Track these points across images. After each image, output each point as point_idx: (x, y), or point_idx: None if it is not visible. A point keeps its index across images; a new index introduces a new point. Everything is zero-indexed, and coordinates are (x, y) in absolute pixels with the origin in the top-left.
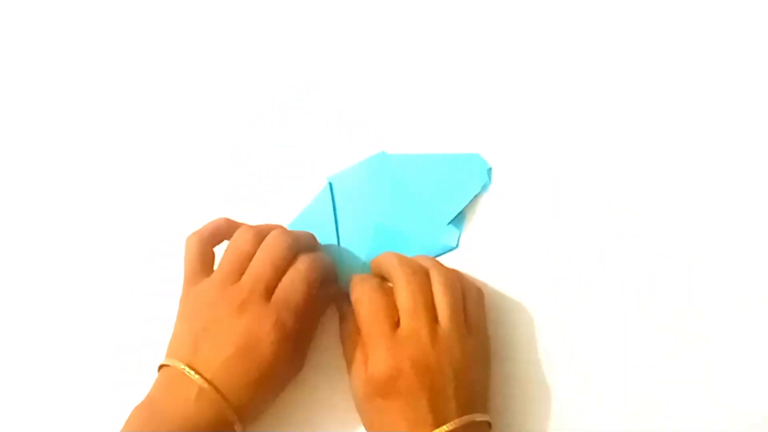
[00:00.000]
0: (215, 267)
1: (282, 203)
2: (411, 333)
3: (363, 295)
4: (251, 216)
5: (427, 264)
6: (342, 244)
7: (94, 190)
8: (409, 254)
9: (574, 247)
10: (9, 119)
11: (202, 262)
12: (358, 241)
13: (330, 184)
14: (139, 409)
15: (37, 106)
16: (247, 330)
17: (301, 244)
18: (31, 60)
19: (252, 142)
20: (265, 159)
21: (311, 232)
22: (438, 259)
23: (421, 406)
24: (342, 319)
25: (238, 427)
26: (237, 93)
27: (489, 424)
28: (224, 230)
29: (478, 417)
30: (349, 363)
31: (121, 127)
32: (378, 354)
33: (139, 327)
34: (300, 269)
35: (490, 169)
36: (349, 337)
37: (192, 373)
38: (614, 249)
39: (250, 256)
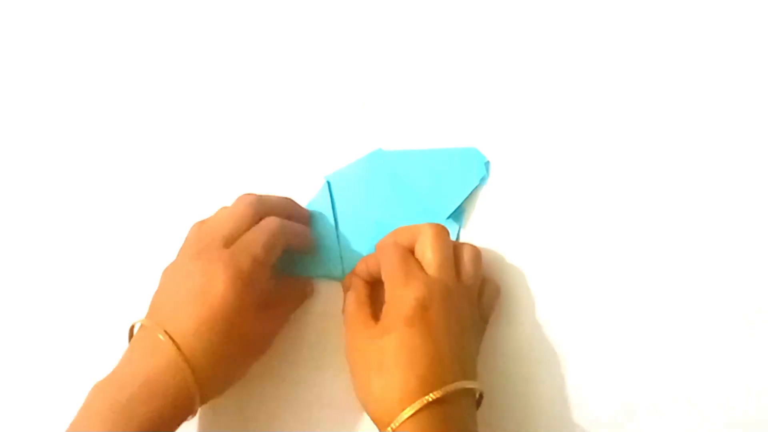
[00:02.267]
0: None
1: None
2: (436, 279)
3: (388, 245)
4: None
5: (419, 229)
6: (342, 242)
7: (94, 190)
8: None
9: (573, 242)
10: (9, 119)
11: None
12: (358, 239)
13: (328, 183)
14: (101, 381)
15: (37, 106)
16: (201, 271)
17: (269, 208)
18: (31, 60)
19: (248, 142)
20: (262, 159)
21: (311, 230)
22: None
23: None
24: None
25: (194, 388)
26: (233, 93)
27: (479, 395)
28: None
29: (469, 384)
30: (354, 305)
31: (119, 127)
32: (413, 283)
33: None
34: (262, 225)
35: (488, 162)
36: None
37: (147, 325)
38: (613, 243)
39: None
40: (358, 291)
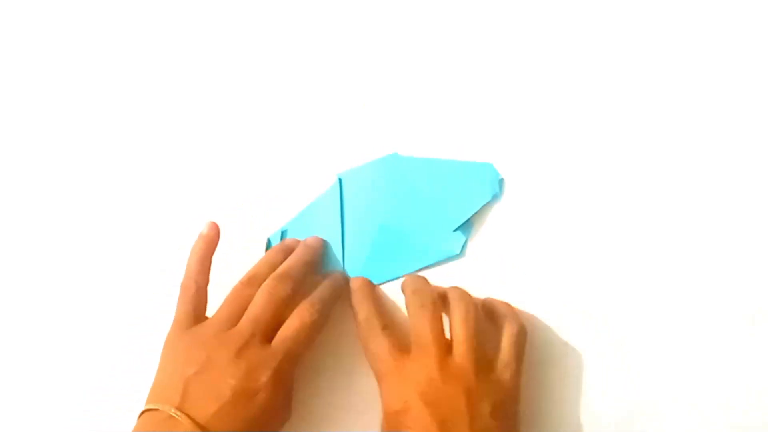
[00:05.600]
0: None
1: (293, 198)
2: (420, 365)
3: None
4: (261, 209)
5: (452, 295)
6: (346, 242)
7: (96, 190)
8: (412, 258)
9: (577, 251)
10: (9, 120)
11: (196, 307)
12: (361, 240)
13: (340, 181)
14: None
15: (37, 106)
16: (246, 376)
17: (302, 284)
18: (31, 60)
19: (248, 142)
20: (262, 158)
21: (317, 226)
22: (444, 266)
23: None
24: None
25: None
26: (234, 93)
27: None
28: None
29: None
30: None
31: (134, 125)
32: (387, 387)
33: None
34: (303, 316)
35: (502, 180)
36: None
37: (183, 417)
38: (616, 247)
39: (250, 300)
40: (390, 335)
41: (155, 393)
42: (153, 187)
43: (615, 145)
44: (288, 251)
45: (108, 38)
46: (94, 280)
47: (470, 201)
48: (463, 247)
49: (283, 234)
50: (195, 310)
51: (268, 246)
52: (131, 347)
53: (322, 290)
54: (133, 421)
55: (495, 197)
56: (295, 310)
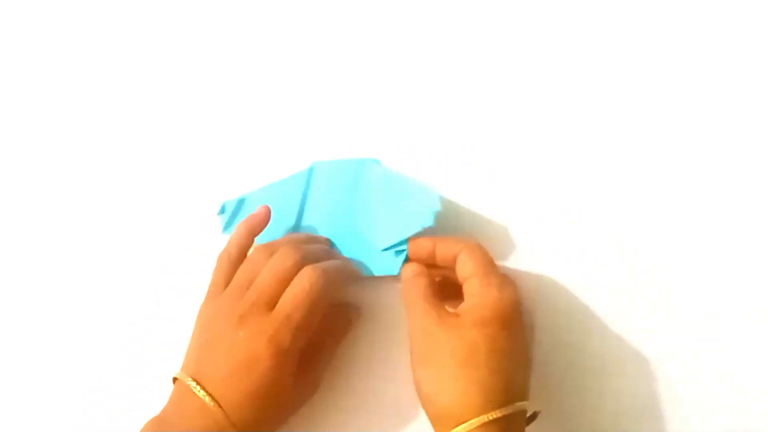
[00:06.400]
0: None
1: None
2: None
3: (475, 243)
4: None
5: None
6: (299, 228)
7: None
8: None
9: (569, 243)
10: (9, 120)
11: (226, 279)
12: (312, 230)
13: (311, 168)
14: (150, 424)
15: (38, 106)
16: (245, 344)
17: (311, 258)
18: (32, 60)
19: (248, 142)
20: (262, 158)
21: (277, 203)
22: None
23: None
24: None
25: None
26: (233, 93)
27: (533, 415)
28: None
29: (525, 405)
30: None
31: (133, 125)
32: (510, 286)
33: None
34: (303, 283)
35: (439, 211)
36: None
37: (198, 388)
38: (624, 262)
39: (261, 268)
40: (430, 277)
41: (184, 361)
42: (153, 188)
43: (614, 150)
44: (314, 241)
45: (106, 36)
46: (94, 280)
47: (407, 224)
48: (401, 266)
49: (240, 202)
50: (225, 282)
51: (222, 210)
52: (131, 347)
53: (329, 263)
54: (133, 421)
55: (428, 224)
56: (297, 276)
